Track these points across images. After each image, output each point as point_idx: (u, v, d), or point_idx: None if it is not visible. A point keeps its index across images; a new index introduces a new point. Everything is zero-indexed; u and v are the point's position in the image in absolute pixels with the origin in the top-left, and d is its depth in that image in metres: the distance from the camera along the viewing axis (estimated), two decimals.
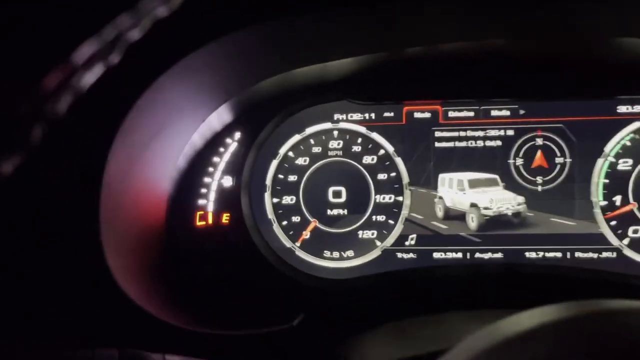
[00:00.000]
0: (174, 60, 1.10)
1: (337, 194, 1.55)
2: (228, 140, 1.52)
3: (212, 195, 1.52)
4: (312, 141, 1.55)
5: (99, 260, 1.16)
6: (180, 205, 1.49)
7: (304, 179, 1.55)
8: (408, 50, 1.39)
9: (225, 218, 1.52)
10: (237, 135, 1.52)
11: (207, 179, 1.51)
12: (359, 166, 1.54)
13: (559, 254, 1.50)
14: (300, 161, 1.55)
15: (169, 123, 1.25)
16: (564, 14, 1.24)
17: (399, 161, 1.53)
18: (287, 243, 1.55)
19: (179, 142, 1.36)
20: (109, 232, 1.17)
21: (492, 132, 1.51)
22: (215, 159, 1.52)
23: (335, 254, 1.56)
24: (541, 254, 1.50)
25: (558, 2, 1.17)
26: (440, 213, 1.53)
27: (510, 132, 1.50)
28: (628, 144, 1.47)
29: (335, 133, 1.55)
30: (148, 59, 1.06)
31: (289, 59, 1.36)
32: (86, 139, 1.09)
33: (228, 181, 1.52)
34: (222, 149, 1.51)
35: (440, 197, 1.53)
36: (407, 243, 1.54)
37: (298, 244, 1.56)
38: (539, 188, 1.50)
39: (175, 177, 1.46)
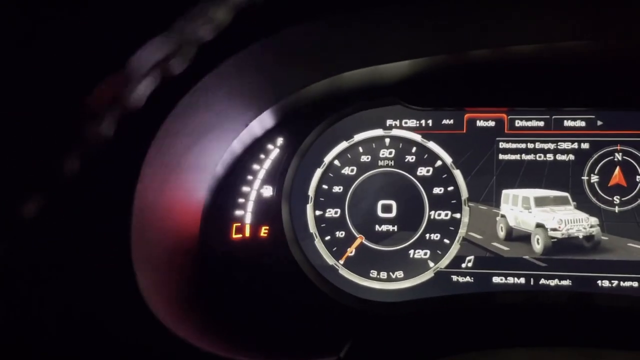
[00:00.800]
0: (218, 61, 0.97)
1: (386, 208, 1.40)
2: (270, 147, 1.38)
3: (251, 206, 1.39)
4: (360, 149, 1.41)
5: (129, 278, 1.04)
6: (216, 217, 1.36)
7: (351, 190, 1.41)
8: (472, 52, 1.25)
9: (264, 231, 1.39)
10: (280, 141, 1.38)
11: (245, 188, 1.38)
12: (413, 178, 1.40)
13: (635, 284, 1.33)
14: (346, 171, 1.41)
15: (210, 128, 1.12)
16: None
17: (457, 174, 1.38)
18: (330, 260, 1.42)
19: (218, 149, 1.23)
20: (140, 246, 1.06)
21: (565, 145, 1.35)
22: (255, 167, 1.39)
23: (383, 274, 1.41)
24: (615, 282, 1.34)
25: None
26: (502, 233, 1.38)
27: (585, 146, 1.34)
28: None
29: (387, 141, 1.40)
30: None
31: (340, 62, 1.22)
32: (120, 145, 0.97)
33: (268, 191, 1.39)
34: (262, 156, 1.38)
35: (503, 216, 1.37)
36: (463, 265, 1.39)
37: (342, 261, 1.42)
38: (616, 209, 1.34)
39: (212, 186, 1.33)
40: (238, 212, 1.38)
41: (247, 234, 1.39)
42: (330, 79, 1.26)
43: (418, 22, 1.13)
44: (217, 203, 1.36)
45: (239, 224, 1.39)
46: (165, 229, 1.18)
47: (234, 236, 1.38)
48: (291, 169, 1.39)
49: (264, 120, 1.34)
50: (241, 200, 1.38)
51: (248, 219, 1.39)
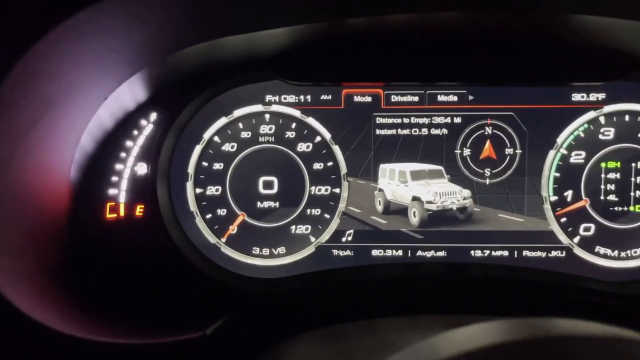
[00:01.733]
0: (56, 21, 0.91)
1: (268, 185, 1.39)
2: (143, 122, 1.34)
3: (125, 184, 1.34)
4: (240, 125, 1.38)
5: None
6: (87, 196, 1.31)
7: (232, 167, 1.39)
8: (349, 22, 1.23)
9: (139, 210, 1.34)
10: (154, 116, 1.34)
11: (118, 166, 1.33)
12: (293, 154, 1.39)
13: (505, 253, 1.39)
14: (227, 147, 1.39)
15: (57, 102, 1.06)
16: None
17: (336, 149, 1.38)
18: (212, 238, 1.39)
19: (74, 124, 1.17)
20: None
21: (438, 119, 1.38)
22: (128, 143, 1.34)
23: (266, 251, 1.41)
24: (487, 252, 1.39)
25: None
26: (380, 207, 1.40)
27: (458, 120, 1.38)
28: (581, 135, 1.37)
29: (267, 117, 1.39)
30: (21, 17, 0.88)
31: (214, 24, 1.16)
32: None
33: (143, 168, 1.34)
34: (135, 132, 1.33)
35: (381, 190, 1.39)
36: (343, 239, 1.40)
37: (224, 239, 1.40)
38: (487, 181, 1.39)
39: (80, 161, 1.27)
40: (112, 191, 1.33)
41: (122, 213, 1.35)
42: (206, 47, 1.20)
43: None
44: (88, 182, 1.30)
45: (113, 203, 1.34)
46: (19, 210, 1.11)
47: (108, 216, 1.33)
48: (167, 146, 1.35)
49: (136, 93, 1.29)
50: (114, 178, 1.33)
51: (122, 198, 1.34)
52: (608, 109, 1.35)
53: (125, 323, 1.24)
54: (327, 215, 1.40)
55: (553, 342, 0.63)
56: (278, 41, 1.26)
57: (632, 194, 1.36)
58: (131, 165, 1.34)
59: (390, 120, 1.38)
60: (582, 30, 1.25)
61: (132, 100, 1.30)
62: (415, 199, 1.39)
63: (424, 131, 1.38)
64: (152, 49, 1.18)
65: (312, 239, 1.40)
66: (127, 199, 1.34)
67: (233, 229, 1.40)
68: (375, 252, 1.40)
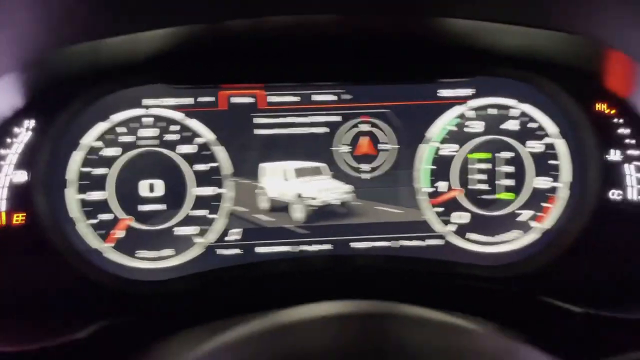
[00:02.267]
0: None
1: (152, 188, 1.40)
2: (18, 130, 1.32)
3: (4, 193, 1.32)
4: (121, 129, 1.39)
5: None
6: None
7: (115, 171, 1.39)
8: (227, 24, 1.27)
9: (19, 218, 1.33)
10: (31, 123, 1.32)
11: None
12: (176, 157, 1.41)
13: (385, 244, 1.45)
14: (109, 152, 1.39)
15: None
16: None
17: (219, 150, 1.41)
18: (96, 244, 1.39)
19: None
20: None
21: (317, 118, 1.43)
22: (3, 151, 1.32)
23: (152, 254, 1.42)
24: (368, 244, 1.45)
25: None
26: (264, 205, 1.44)
27: (336, 118, 1.43)
28: (453, 129, 1.45)
29: (148, 120, 1.40)
30: None
31: (92, 24, 1.15)
32: None
33: (23, 176, 1.33)
34: (10, 140, 1.32)
35: (264, 188, 1.43)
36: (230, 238, 1.43)
37: (109, 244, 1.40)
38: (366, 176, 1.45)
39: None
40: None
41: (4, 221, 1.33)
42: (84, 51, 1.21)
43: None
44: None
45: None
46: None
47: None
48: (45, 153, 1.34)
49: (10, 99, 1.28)
50: None
51: (2, 207, 1.32)
52: (474, 103, 1.44)
53: (10, 331, 1.23)
54: (213, 216, 1.42)
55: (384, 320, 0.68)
56: (158, 43, 1.28)
57: (500, 182, 1.46)
58: (8, 174, 1.32)
59: (270, 120, 1.42)
60: (446, 31, 1.32)
61: (8, 107, 1.29)
62: (298, 195, 1.44)
63: (304, 130, 1.43)
64: (25, 49, 1.16)
65: (199, 239, 1.42)
66: (7, 208, 1.32)
67: (117, 233, 1.40)
68: (261, 250, 1.43)
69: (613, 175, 1.41)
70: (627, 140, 1.40)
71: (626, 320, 1.22)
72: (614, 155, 1.41)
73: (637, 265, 1.37)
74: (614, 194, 1.41)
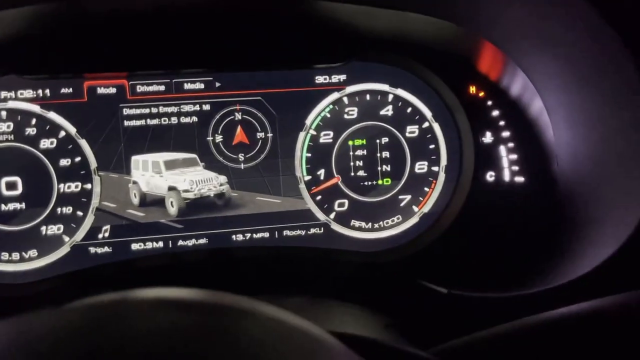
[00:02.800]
0: None
1: (11, 186, 1.32)
2: None
3: None
4: None
5: None
6: None
7: None
8: (83, 6, 1.19)
9: None
10: None
11: None
12: (36, 152, 1.32)
13: (266, 234, 1.42)
14: None
15: None
16: None
17: (83, 143, 1.34)
18: None
19: None
20: None
21: (187, 108, 1.37)
22: None
23: (15, 255, 1.33)
24: (248, 235, 1.42)
25: None
26: (136, 200, 1.38)
27: (207, 107, 1.38)
28: (328, 115, 1.43)
29: (3, 114, 1.31)
30: None
31: None
32: None
33: None
34: None
35: (135, 182, 1.37)
36: (100, 236, 1.36)
37: None
38: (242, 166, 1.41)
39: None
40: None
41: None
42: None
43: None
44: None
45: None
46: None
47: None
48: None
49: None
50: None
51: None
52: (350, 89, 1.42)
53: None
54: (80, 213, 1.35)
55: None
56: (7, 29, 1.19)
57: (379, 168, 1.45)
58: None
59: (137, 111, 1.35)
60: (317, 14, 1.30)
61: None
62: (171, 188, 1.39)
63: (174, 120, 1.37)
64: None
65: (66, 238, 1.35)
66: None
67: None
68: (135, 246, 1.38)
69: (487, 157, 1.43)
70: (499, 123, 1.42)
71: (490, 298, 1.24)
72: (488, 137, 1.43)
73: (508, 243, 1.39)
74: (488, 176, 1.43)
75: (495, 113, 1.41)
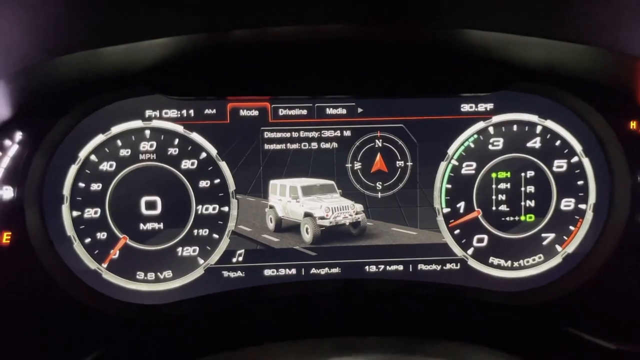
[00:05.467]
0: None
1: (151, 205, 1.31)
2: (6, 142, 1.23)
3: None
4: (119, 142, 1.30)
5: None
6: None
7: (111, 187, 1.30)
8: (232, 33, 1.17)
9: (5, 237, 1.24)
10: (19, 135, 1.23)
11: None
12: (177, 172, 1.31)
13: (400, 267, 1.36)
14: (105, 166, 1.30)
15: None
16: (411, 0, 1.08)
17: (223, 166, 1.32)
18: (92, 264, 1.30)
19: None
20: None
21: (328, 133, 1.33)
22: None
23: (151, 275, 1.33)
24: (382, 267, 1.36)
25: None
26: (271, 225, 1.35)
27: (347, 133, 1.34)
28: (472, 146, 1.36)
29: (147, 133, 1.31)
30: None
31: (89, 32, 1.06)
32: None
33: (8, 192, 1.23)
34: None
35: (271, 207, 1.34)
36: (234, 260, 1.34)
37: (105, 265, 1.31)
38: (379, 195, 1.35)
39: None
40: None
41: None
42: (81, 60, 1.11)
43: None
44: None
45: None
46: None
47: None
48: (37, 167, 1.25)
49: None
50: None
51: None
52: (496, 119, 1.35)
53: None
54: (215, 235, 1.33)
55: None
56: (157, 53, 1.18)
57: (522, 203, 1.37)
58: None
59: (278, 135, 1.33)
60: (468, 43, 1.23)
61: None
62: (307, 215, 1.35)
63: (314, 145, 1.33)
64: (13, 59, 1.07)
65: (201, 260, 1.33)
66: None
67: (114, 253, 1.31)
68: (267, 272, 1.34)
69: None
70: None
71: None
72: None
73: None
74: None
75: None
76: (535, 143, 1.36)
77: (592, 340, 1.17)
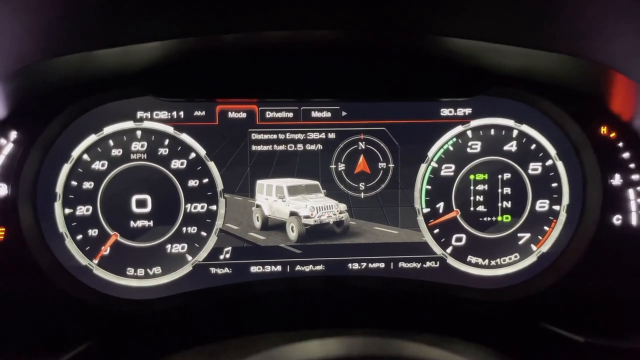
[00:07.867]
0: None
1: (141, 203, 1.36)
2: (2, 141, 1.27)
3: None
4: (111, 142, 1.34)
5: None
6: None
7: (102, 186, 1.34)
8: (222, 38, 1.22)
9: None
10: (13, 134, 1.27)
11: None
12: (167, 171, 1.36)
13: (382, 265, 1.42)
14: (97, 165, 1.34)
15: None
16: (392, 8, 1.13)
17: (212, 166, 1.37)
18: (83, 260, 1.34)
19: None
20: None
21: (313, 135, 1.39)
22: None
23: (140, 271, 1.37)
24: (364, 264, 1.41)
25: None
26: (258, 223, 1.39)
27: (332, 135, 1.39)
28: (451, 148, 1.41)
29: (139, 133, 1.35)
30: None
31: (83, 35, 1.10)
32: None
33: (2, 190, 1.27)
34: None
35: (258, 206, 1.39)
36: (221, 257, 1.39)
37: (96, 261, 1.35)
38: (362, 195, 1.41)
39: None
40: None
41: None
42: (74, 62, 1.15)
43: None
44: None
45: None
46: None
47: None
48: (31, 165, 1.29)
49: None
50: None
51: None
52: (474, 123, 1.41)
53: None
54: (203, 233, 1.38)
55: None
56: (150, 56, 1.23)
57: (499, 204, 1.42)
58: None
59: (265, 136, 1.38)
60: (446, 50, 1.29)
61: None
62: (292, 214, 1.40)
63: (300, 147, 1.39)
64: (9, 59, 1.11)
65: (189, 257, 1.38)
66: None
67: (105, 249, 1.35)
68: (254, 269, 1.39)
69: (614, 200, 1.38)
70: (629, 165, 1.37)
71: (624, 349, 1.19)
72: (616, 179, 1.38)
73: (636, 291, 1.34)
74: (615, 219, 1.38)
75: (626, 155, 1.37)
76: (512, 146, 1.42)
77: (563, 334, 1.23)
